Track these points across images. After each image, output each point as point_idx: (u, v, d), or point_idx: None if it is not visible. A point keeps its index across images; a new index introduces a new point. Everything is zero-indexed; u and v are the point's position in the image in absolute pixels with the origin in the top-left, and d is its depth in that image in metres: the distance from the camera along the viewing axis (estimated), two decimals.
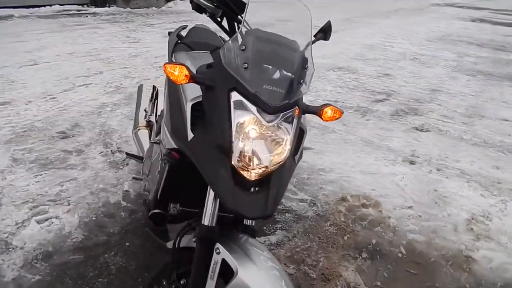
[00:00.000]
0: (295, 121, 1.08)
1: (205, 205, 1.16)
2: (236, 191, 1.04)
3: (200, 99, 1.14)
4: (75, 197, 2.35)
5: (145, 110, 2.33)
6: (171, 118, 1.22)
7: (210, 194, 1.15)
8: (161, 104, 2.31)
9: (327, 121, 1.20)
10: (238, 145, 1.03)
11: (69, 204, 2.29)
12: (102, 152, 2.87)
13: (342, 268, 1.98)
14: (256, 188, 1.10)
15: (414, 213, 2.42)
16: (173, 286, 1.19)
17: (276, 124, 1.04)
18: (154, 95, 2.45)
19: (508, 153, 3.34)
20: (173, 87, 1.25)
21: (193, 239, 1.18)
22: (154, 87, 2.51)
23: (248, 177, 1.06)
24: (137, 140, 2.25)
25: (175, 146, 1.26)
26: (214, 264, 1.11)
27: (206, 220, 1.15)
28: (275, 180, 1.09)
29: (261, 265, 1.10)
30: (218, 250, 1.11)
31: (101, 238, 2.07)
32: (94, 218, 2.20)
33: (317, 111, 1.18)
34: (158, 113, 2.34)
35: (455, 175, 2.89)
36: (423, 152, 3.21)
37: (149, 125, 2.31)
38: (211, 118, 1.09)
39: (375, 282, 1.91)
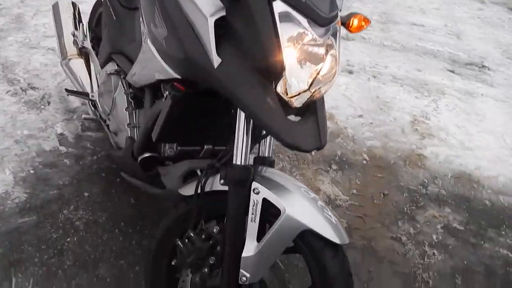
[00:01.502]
0: (338, 34, 0.93)
1: (235, 142, 0.99)
2: (288, 122, 0.89)
3: (223, 14, 0.89)
4: None
5: (73, 35, 1.87)
6: (177, 43, 0.96)
7: (240, 129, 0.98)
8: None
9: (354, 32, 1.07)
10: (288, 66, 0.86)
11: None
12: (9, 91, 2.32)
13: (319, 182, 2.00)
14: (299, 117, 0.97)
15: (365, 121, 2.52)
16: (203, 236, 1.04)
17: (326, 39, 0.88)
18: (77, 15, 1.97)
19: (424, 56, 3.60)
20: (169, 2, 0.97)
21: (220, 182, 1.02)
22: (73, 4, 2.01)
23: (291, 104, 0.91)
24: (70, 72, 1.83)
25: (176, 76, 1.03)
26: (254, 205, 0.99)
27: (238, 159, 0.98)
28: (320, 106, 0.96)
29: (306, 198, 1.01)
30: (256, 190, 0.98)
31: (50, 193, 1.74)
32: (32, 171, 1.83)
33: (345, 22, 1.04)
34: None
35: (389, 81, 3.04)
36: (356, 61, 3.28)
37: (82, 52, 1.88)
38: (246, 37, 0.87)
39: (351, 190, 1.99)
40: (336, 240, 0.97)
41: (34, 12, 3.34)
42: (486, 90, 3.10)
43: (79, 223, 1.62)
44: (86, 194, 1.75)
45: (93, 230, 1.60)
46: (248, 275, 0.99)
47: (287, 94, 0.89)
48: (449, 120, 2.63)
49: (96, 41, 1.84)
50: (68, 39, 1.88)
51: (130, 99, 1.41)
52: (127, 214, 1.68)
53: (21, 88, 2.36)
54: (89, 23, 1.96)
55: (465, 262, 1.67)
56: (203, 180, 1.05)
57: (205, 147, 1.24)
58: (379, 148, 2.31)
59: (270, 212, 1.00)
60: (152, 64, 1.11)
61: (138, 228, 1.63)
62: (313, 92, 0.90)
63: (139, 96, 1.38)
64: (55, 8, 1.99)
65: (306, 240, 1.00)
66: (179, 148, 1.21)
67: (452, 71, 3.37)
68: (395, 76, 3.13)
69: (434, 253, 1.70)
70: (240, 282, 1.00)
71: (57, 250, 1.50)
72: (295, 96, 0.90)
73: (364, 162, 2.19)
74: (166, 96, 1.10)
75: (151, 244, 1.17)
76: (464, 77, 3.29)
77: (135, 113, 1.40)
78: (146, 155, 1.23)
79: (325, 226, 0.98)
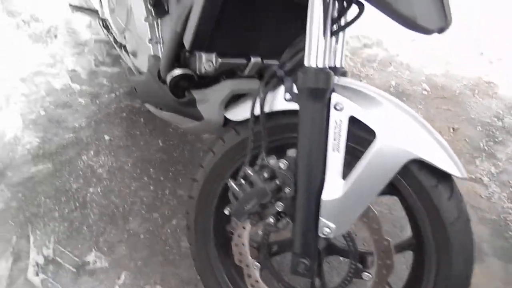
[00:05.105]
0: None
1: (308, 36, 0.69)
2: None
3: None
4: (1, 92, 1.65)
5: None
6: None
7: (315, 15, 0.68)
8: None
9: None
10: None
11: None
12: (10, 23, 2.03)
13: None
14: None
15: (421, 46, 2.15)
16: (266, 174, 0.77)
17: None
18: None
19: None
20: None
21: (285, 97, 0.74)
22: None
23: None
24: None
25: None
26: (336, 127, 0.70)
27: (313, 60, 0.69)
28: None
29: (407, 116, 0.72)
30: (340, 105, 0.69)
31: (65, 137, 1.49)
32: (43, 113, 1.57)
33: None
34: None
35: None
36: None
37: None
38: None
39: None
40: (456, 172, 0.69)
41: None
42: None
43: (101, 171, 1.38)
44: (106, 137, 1.50)
45: (119, 179, 1.36)
46: (332, 225, 0.73)
47: None
48: None
49: None
50: None
51: (150, 7, 1.09)
52: (156, 159, 1.43)
53: (23, 20, 2.05)
54: None
55: None
56: (263, 95, 0.76)
57: (252, 60, 0.94)
58: (440, 76, 1.97)
59: (356, 138, 0.72)
60: None
61: (171, 175, 1.38)
62: None
63: (160, 1, 1.06)
64: None
65: (410, 174, 0.72)
66: (219, 60, 0.91)
67: None
68: None
69: None
70: (321, 235, 0.74)
71: (79, 203, 1.27)
72: None
73: (425, 92, 1.87)
74: None
75: (193, 190, 0.91)
76: None
77: (157, 24, 1.09)
78: (177, 73, 0.93)
79: (439, 154, 0.70)
